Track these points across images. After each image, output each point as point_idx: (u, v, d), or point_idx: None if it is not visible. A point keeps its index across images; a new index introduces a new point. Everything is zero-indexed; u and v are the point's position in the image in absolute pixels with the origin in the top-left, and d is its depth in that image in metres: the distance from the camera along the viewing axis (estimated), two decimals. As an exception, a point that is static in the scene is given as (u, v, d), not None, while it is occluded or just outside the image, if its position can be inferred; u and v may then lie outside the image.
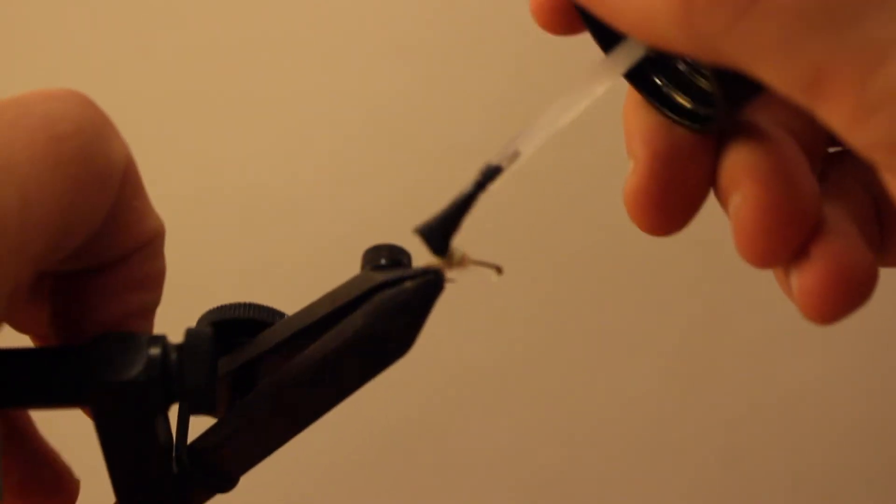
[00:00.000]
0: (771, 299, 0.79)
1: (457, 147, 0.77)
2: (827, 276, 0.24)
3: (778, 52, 0.20)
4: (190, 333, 0.27)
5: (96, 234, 0.25)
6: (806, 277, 0.24)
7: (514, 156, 0.25)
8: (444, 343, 0.75)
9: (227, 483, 0.29)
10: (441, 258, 0.26)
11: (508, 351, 0.77)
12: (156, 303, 0.29)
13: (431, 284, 0.27)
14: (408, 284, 0.27)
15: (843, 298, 0.24)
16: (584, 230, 0.78)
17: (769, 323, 0.78)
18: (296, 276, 0.76)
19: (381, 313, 0.27)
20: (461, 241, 0.26)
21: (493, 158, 0.25)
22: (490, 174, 0.25)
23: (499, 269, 0.27)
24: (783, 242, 0.24)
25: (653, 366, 0.78)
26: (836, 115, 0.20)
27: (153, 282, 0.28)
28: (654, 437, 0.77)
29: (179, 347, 0.26)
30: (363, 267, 0.29)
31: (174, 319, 0.30)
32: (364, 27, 0.80)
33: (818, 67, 0.19)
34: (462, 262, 0.26)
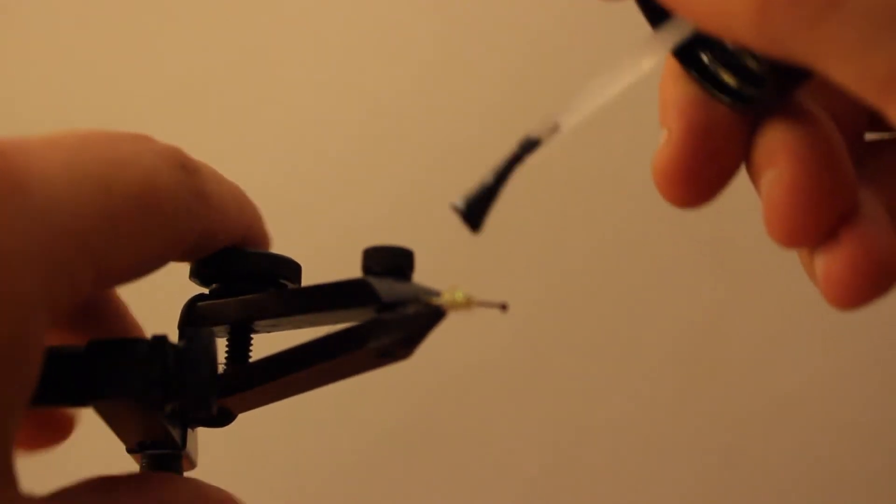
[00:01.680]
0: (772, 299, 0.79)
1: (458, 147, 0.77)
2: (855, 261, 0.24)
3: (855, 54, 0.19)
4: (190, 336, 0.26)
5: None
6: (833, 261, 0.24)
7: (554, 129, 0.24)
8: (446, 342, 0.74)
9: (226, 419, 0.30)
10: (456, 297, 0.26)
11: (510, 351, 0.77)
12: None
13: (432, 315, 0.27)
14: (409, 310, 0.27)
15: (868, 285, 0.24)
16: (587, 230, 0.78)
17: (769, 323, 0.78)
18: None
19: (381, 333, 0.27)
20: (463, 266, 0.25)
21: (533, 131, 0.24)
22: (528, 146, 0.24)
23: (503, 307, 0.27)
24: (815, 222, 0.24)
25: (654, 366, 0.78)
26: None
27: None
28: (655, 437, 0.77)
29: (179, 351, 0.26)
30: (364, 269, 0.28)
31: (174, 319, 0.30)
32: (364, 27, 0.80)
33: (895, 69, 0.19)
34: (466, 304, 0.26)
